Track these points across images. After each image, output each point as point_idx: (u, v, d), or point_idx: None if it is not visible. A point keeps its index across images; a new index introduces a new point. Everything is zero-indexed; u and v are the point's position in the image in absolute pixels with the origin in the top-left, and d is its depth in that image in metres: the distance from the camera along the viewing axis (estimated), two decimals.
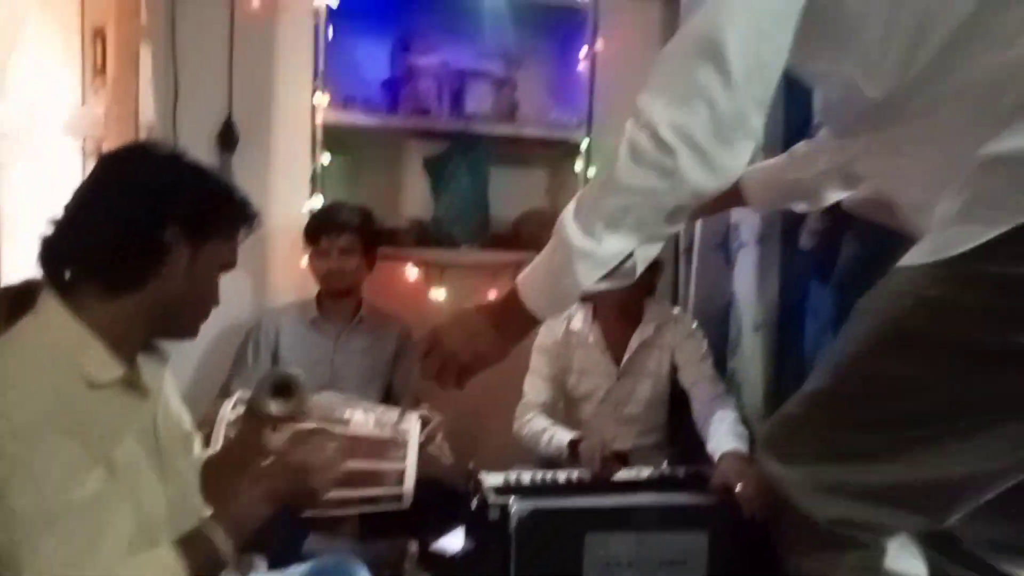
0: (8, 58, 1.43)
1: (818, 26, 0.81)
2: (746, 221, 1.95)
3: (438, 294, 2.39)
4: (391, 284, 2.33)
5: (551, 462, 1.91)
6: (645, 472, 1.76)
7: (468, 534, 1.69)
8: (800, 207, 1.29)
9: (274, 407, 1.19)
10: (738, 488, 1.54)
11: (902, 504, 0.79)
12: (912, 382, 0.76)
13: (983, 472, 0.76)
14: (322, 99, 2.18)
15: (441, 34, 2.36)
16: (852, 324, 0.83)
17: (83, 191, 0.98)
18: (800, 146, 1.24)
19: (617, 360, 2.03)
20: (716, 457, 1.70)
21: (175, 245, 0.97)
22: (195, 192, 0.99)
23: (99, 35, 1.71)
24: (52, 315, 0.93)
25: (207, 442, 1.40)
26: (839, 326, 0.97)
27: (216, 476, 1.15)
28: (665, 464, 1.83)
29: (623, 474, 1.74)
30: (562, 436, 1.88)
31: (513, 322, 0.96)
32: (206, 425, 1.58)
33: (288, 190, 2.26)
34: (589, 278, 0.88)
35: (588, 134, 2.34)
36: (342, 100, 2.26)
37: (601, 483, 1.69)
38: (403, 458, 1.62)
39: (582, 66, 2.35)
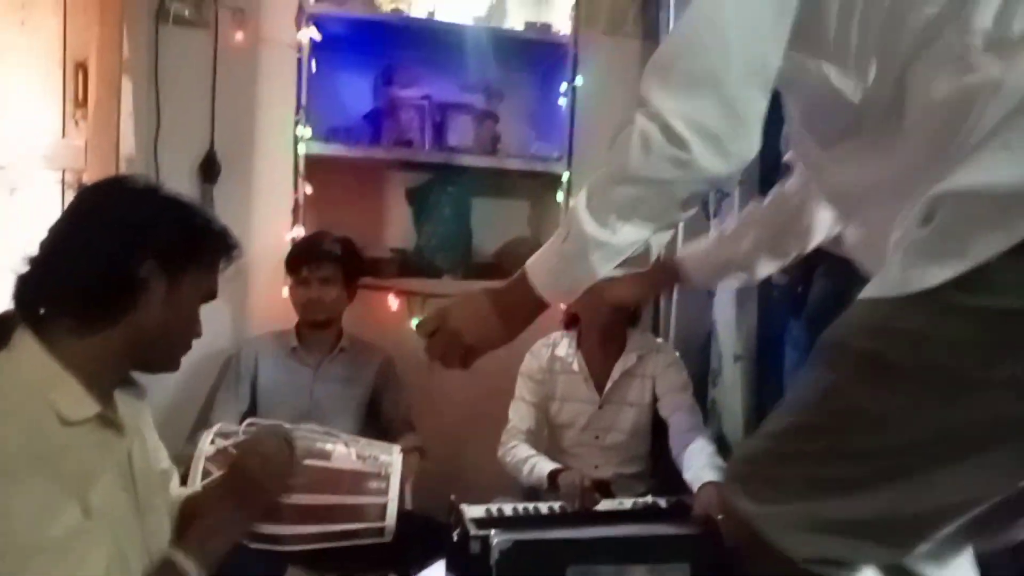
0: None
1: (802, 18, 0.82)
2: None
3: None
4: (372, 314, 2.32)
5: (534, 491, 1.91)
6: (627, 503, 1.75)
7: (449, 567, 1.67)
8: (737, 281, 1.35)
9: None
10: (720, 518, 1.54)
11: (876, 537, 0.77)
12: (886, 414, 0.75)
13: (961, 501, 0.75)
14: (304, 131, 2.20)
15: (424, 68, 2.39)
16: (819, 358, 0.82)
17: (58, 227, 0.98)
18: (729, 223, 1.32)
19: (600, 388, 2.04)
20: (695, 487, 1.70)
21: (151, 279, 0.97)
22: (171, 225, 0.99)
23: (81, 67, 1.71)
24: (26, 352, 0.92)
25: (185, 478, 1.38)
26: None
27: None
28: (647, 494, 1.83)
29: (605, 505, 1.73)
30: (543, 467, 1.88)
31: (521, 306, 0.96)
32: (183, 460, 1.56)
33: (270, 220, 2.26)
34: (605, 267, 0.89)
35: (569, 167, 2.37)
36: (324, 132, 2.27)
37: (583, 514, 1.68)
38: (385, 491, 1.60)
39: (562, 100, 2.39)
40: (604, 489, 1.85)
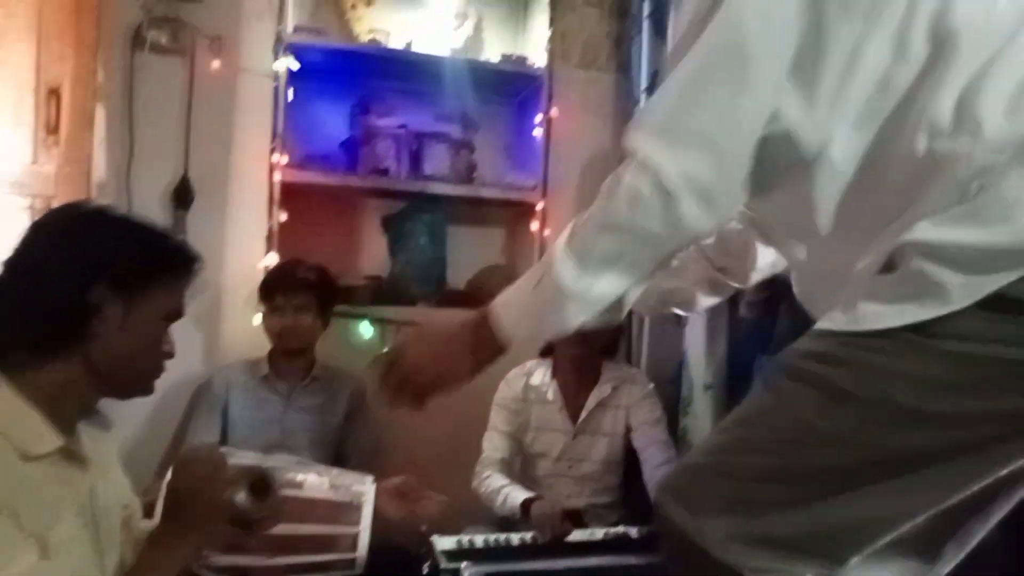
0: None
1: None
2: None
3: None
4: (346, 341, 2.31)
5: (508, 521, 1.90)
6: (599, 533, 1.75)
7: None
8: (679, 310, 1.33)
9: (248, 504, 1.10)
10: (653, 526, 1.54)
11: (810, 550, 0.80)
12: (829, 437, 0.78)
13: (889, 518, 0.79)
14: (280, 158, 2.20)
15: (400, 97, 2.41)
16: (771, 380, 0.84)
17: (10, 258, 0.96)
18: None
19: (574, 418, 2.04)
20: None
21: (104, 303, 0.94)
22: (121, 247, 0.97)
23: (53, 94, 1.71)
24: None
25: (150, 510, 1.36)
26: None
27: None
28: (619, 524, 1.83)
29: (577, 535, 1.73)
30: (516, 496, 1.87)
31: (483, 346, 0.92)
32: (153, 494, 1.54)
33: (243, 248, 2.25)
34: (579, 318, 0.87)
35: (544, 196, 2.40)
36: (300, 159, 2.28)
37: (554, 545, 1.68)
38: (357, 522, 1.59)
39: (537, 131, 2.43)
40: (576, 519, 1.85)
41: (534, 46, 2.50)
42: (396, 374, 0.96)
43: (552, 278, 0.86)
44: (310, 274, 2.06)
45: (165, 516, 1.01)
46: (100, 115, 1.80)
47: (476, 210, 2.50)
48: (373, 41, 2.36)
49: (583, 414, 2.03)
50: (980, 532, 0.89)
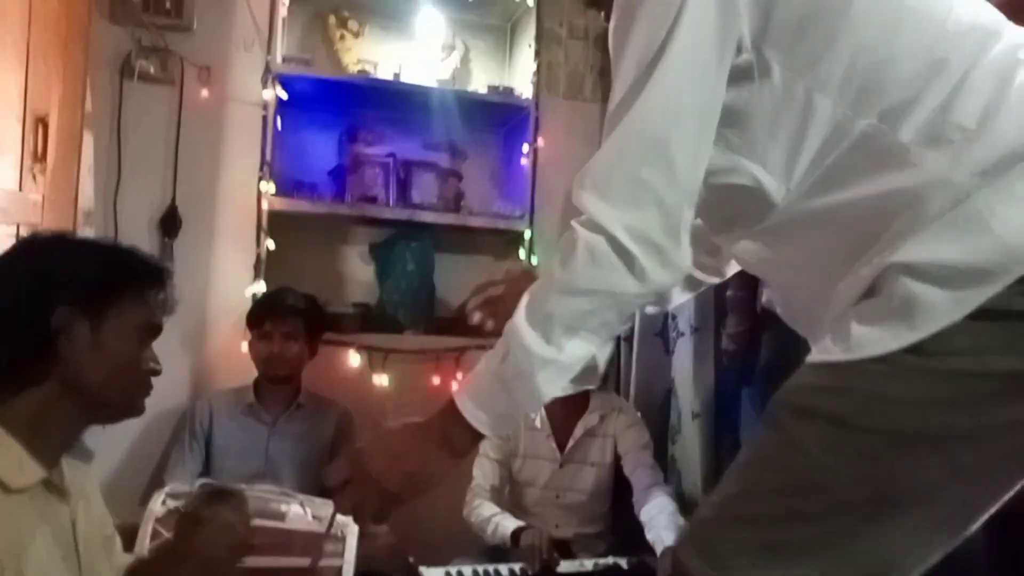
0: None
1: (725, 125, 0.84)
2: (683, 312, 2.02)
3: (381, 380, 2.37)
4: (333, 369, 2.30)
5: (498, 550, 1.88)
6: (588, 563, 1.74)
7: None
8: (651, 307, 1.32)
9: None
10: None
11: None
12: (839, 472, 0.76)
13: (920, 549, 0.77)
14: (268, 186, 2.21)
15: (389, 126, 2.44)
16: (770, 420, 0.83)
17: None
18: None
19: (561, 447, 2.04)
20: (658, 548, 1.70)
21: (69, 325, 0.93)
22: (78, 268, 0.96)
23: (40, 122, 1.70)
24: None
25: (132, 540, 1.33)
26: None
27: None
28: (608, 554, 1.82)
29: (566, 566, 1.71)
30: (506, 525, 1.85)
31: (451, 441, 0.88)
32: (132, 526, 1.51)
33: (230, 275, 2.25)
34: (553, 387, 0.84)
35: (530, 224, 2.42)
36: (288, 187, 2.28)
37: None
38: (341, 553, 1.57)
39: (524, 160, 2.45)
40: (564, 549, 1.84)
41: (520, 77, 2.54)
42: (357, 488, 0.89)
43: (519, 350, 0.83)
44: (299, 301, 2.06)
45: (179, 559, 0.99)
46: (88, 143, 1.80)
47: (464, 238, 2.51)
48: (361, 72, 2.38)
49: (570, 443, 2.03)
50: None
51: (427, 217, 2.35)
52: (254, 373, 2.09)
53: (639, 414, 2.08)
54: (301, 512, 1.63)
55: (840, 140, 0.81)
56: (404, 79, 2.38)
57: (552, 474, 2.03)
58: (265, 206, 2.20)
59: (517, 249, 2.44)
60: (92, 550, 1.00)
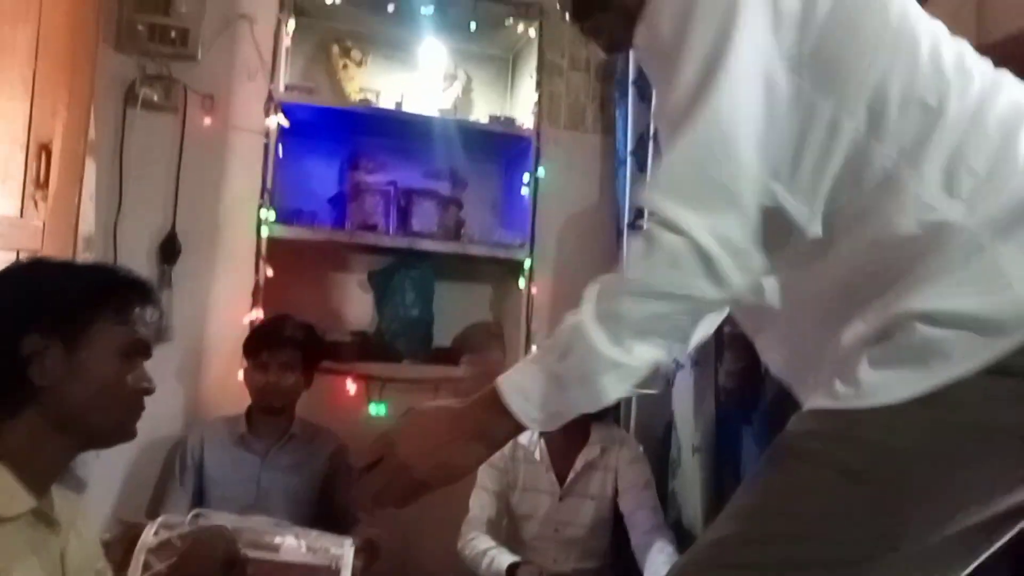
0: None
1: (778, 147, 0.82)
2: None
3: (378, 409, 2.35)
4: (329, 398, 2.28)
5: None
6: None
7: None
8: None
9: None
10: None
11: None
12: (849, 520, 0.76)
13: None
14: (268, 213, 2.21)
15: (390, 155, 2.44)
16: (771, 464, 0.82)
17: None
18: None
19: (561, 479, 2.01)
20: None
21: (42, 351, 0.92)
22: (45, 293, 0.95)
23: (44, 149, 1.71)
24: None
25: (123, 569, 1.31)
26: None
27: None
28: None
29: None
30: (501, 560, 1.83)
31: (493, 429, 0.85)
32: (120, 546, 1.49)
33: (228, 302, 2.24)
34: (617, 391, 0.81)
35: (530, 254, 2.42)
36: (288, 214, 2.29)
37: None
38: None
39: (525, 190, 2.46)
40: None
41: (522, 108, 2.56)
42: (386, 469, 0.86)
43: (584, 350, 0.80)
44: (297, 332, 2.05)
45: None
46: (90, 170, 1.81)
47: (463, 267, 2.51)
48: (363, 101, 2.40)
49: (570, 475, 2.00)
50: None
51: (427, 245, 2.35)
52: (248, 401, 2.07)
53: (641, 448, 2.06)
54: (295, 544, 1.61)
55: (861, 168, 0.81)
56: (406, 108, 2.40)
57: (551, 507, 2.00)
58: (265, 233, 2.21)
59: (517, 278, 2.44)
60: None
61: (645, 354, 0.81)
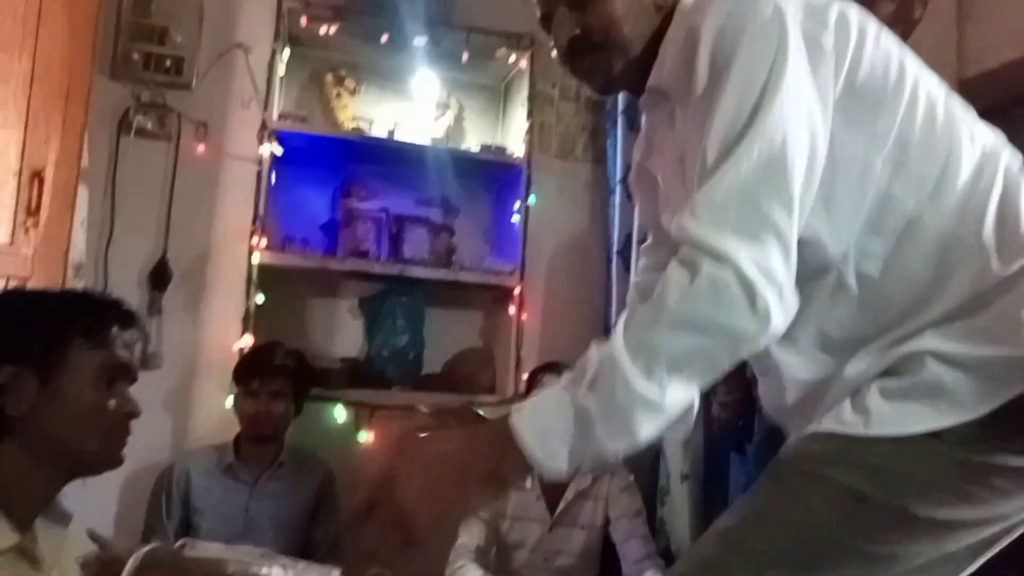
0: None
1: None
2: None
3: (366, 436, 2.34)
4: (318, 424, 2.27)
5: None
6: None
7: None
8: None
9: None
10: None
11: None
12: (848, 539, 0.78)
13: None
14: (260, 240, 2.22)
15: (382, 182, 2.46)
16: (781, 479, 0.83)
17: None
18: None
19: (552, 508, 2.00)
20: None
21: (14, 382, 0.90)
22: (11, 324, 0.93)
23: (36, 176, 1.72)
24: None
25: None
26: None
27: None
28: None
29: None
30: None
31: (500, 473, 0.80)
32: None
33: (219, 329, 2.24)
34: (649, 431, 0.76)
35: (521, 280, 2.43)
36: (280, 241, 2.30)
37: None
38: None
39: (516, 218, 2.48)
40: None
41: (513, 137, 2.59)
42: (383, 521, 0.86)
43: (617, 382, 0.75)
44: (288, 360, 2.04)
45: None
46: (82, 197, 1.81)
47: (454, 293, 2.52)
48: (356, 129, 2.42)
49: (561, 504, 1.99)
50: None
51: (418, 272, 2.35)
52: (236, 429, 2.06)
53: (632, 477, 2.06)
54: (282, 575, 1.59)
55: (891, 209, 0.83)
56: (399, 137, 2.42)
57: (542, 537, 1.99)
58: (256, 260, 2.21)
59: (507, 305, 2.45)
60: None
61: (677, 392, 0.76)
